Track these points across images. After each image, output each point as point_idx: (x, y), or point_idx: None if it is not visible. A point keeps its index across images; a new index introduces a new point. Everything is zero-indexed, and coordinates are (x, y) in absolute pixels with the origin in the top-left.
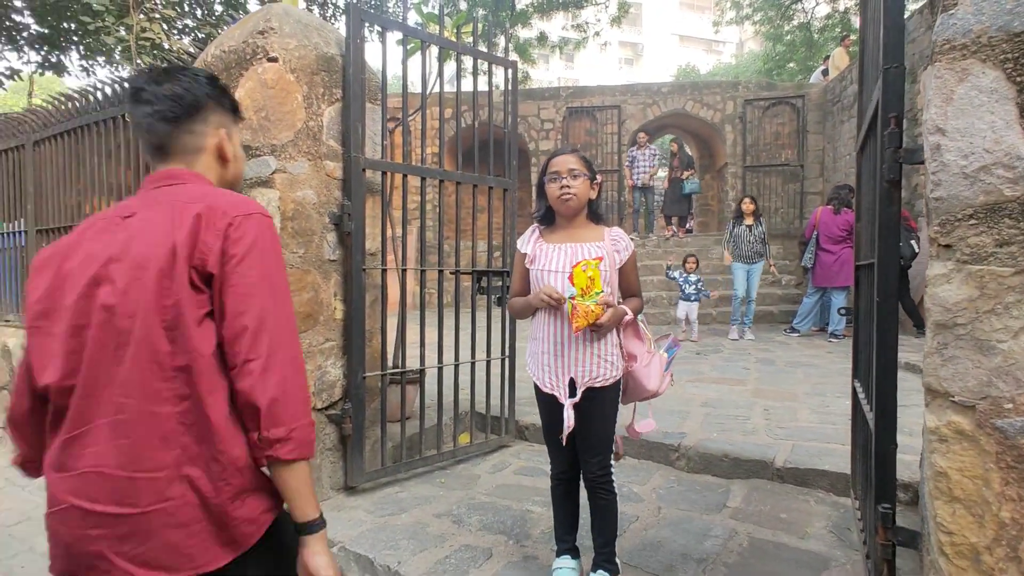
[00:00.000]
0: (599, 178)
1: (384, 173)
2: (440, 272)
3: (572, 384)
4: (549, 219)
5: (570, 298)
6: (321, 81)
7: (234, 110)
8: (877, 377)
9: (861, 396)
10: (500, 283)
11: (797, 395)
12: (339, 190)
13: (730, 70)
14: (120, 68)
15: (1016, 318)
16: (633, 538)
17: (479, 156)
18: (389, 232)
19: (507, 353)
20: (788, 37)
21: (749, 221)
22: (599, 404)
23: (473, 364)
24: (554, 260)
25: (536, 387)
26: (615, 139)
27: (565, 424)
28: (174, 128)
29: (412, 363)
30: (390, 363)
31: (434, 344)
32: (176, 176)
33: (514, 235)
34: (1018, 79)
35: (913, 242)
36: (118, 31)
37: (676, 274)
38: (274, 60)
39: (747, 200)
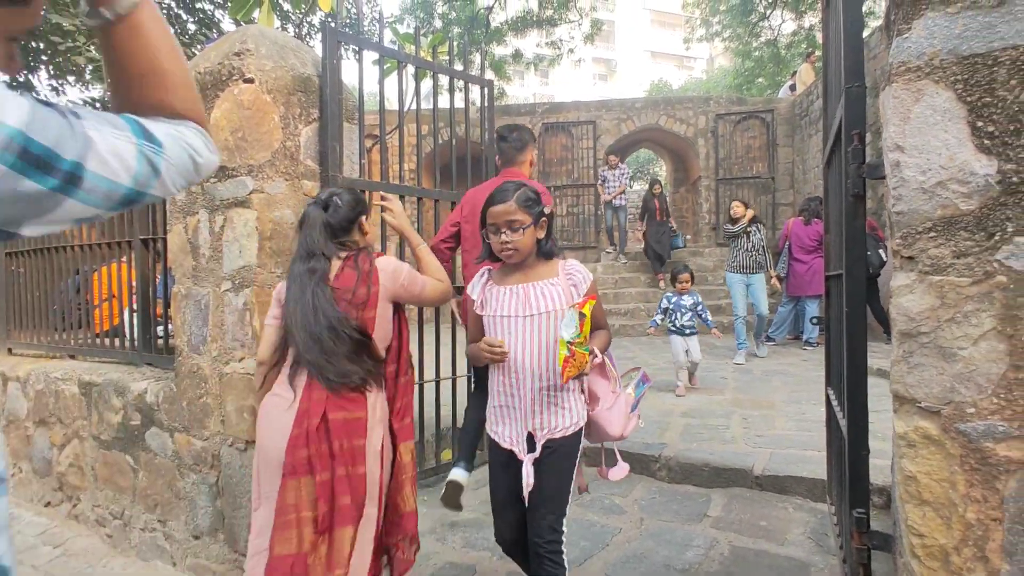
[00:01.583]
0: (548, 209)
1: (361, 192)
2: None
3: (531, 438)
4: (497, 258)
5: (569, 342)
6: (298, 101)
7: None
8: (848, 385)
9: (834, 403)
10: None
11: (774, 403)
12: None
13: (701, 85)
14: (91, 87)
15: (975, 326)
16: (616, 551)
17: (457, 172)
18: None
19: None
20: (756, 53)
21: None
22: (556, 457)
23: (454, 380)
24: (506, 304)
25: (491, 445)
26: (591, 154)
27: (524, 483)
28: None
29: None
30: None
31: (416, 361)
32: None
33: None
34: (968, 99)
35: (881, 251)
36: (89, 50)
37: (665, 301)
38: (250, 81)
39: (736, 205)
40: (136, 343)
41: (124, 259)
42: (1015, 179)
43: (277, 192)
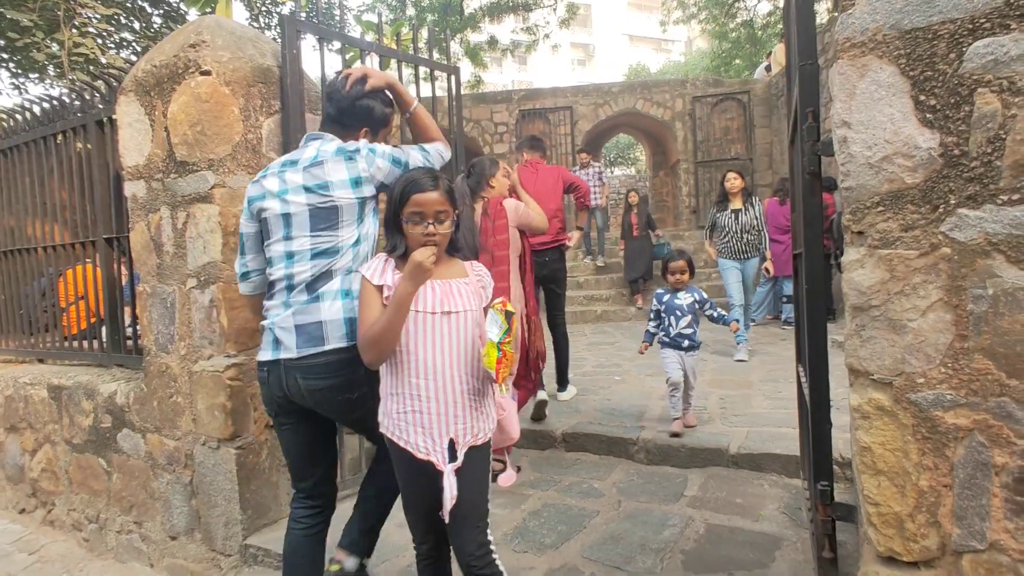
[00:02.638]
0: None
1: None
2: None
3: (451, 446)
4: (396, 247)
5: (499, 343)
6: (258, 93)
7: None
8: (810, 361)
9: (803, 379)
10: None
11: (752, 383)
12: None
13: (679, 68)
14: (54, 85)
15: (923, 297)
16: (593, 533)
17: None
18: None
19: None
20: (733, 34)
21: (736, 205)
22: (477, 464)
23: None
24: (421, 299)
25: (399, 455)
26: (568, 140)
27: (447, 496)
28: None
29: None
30: None
31: None
32: None
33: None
34: (911, 73)
35: None
36: (49, 47)
37: (656, 301)
38: (207, 73)
39: (732, 175)
40: (105, 344)
41: (88, 261)
42: (956, 152)
43: (240, 186)
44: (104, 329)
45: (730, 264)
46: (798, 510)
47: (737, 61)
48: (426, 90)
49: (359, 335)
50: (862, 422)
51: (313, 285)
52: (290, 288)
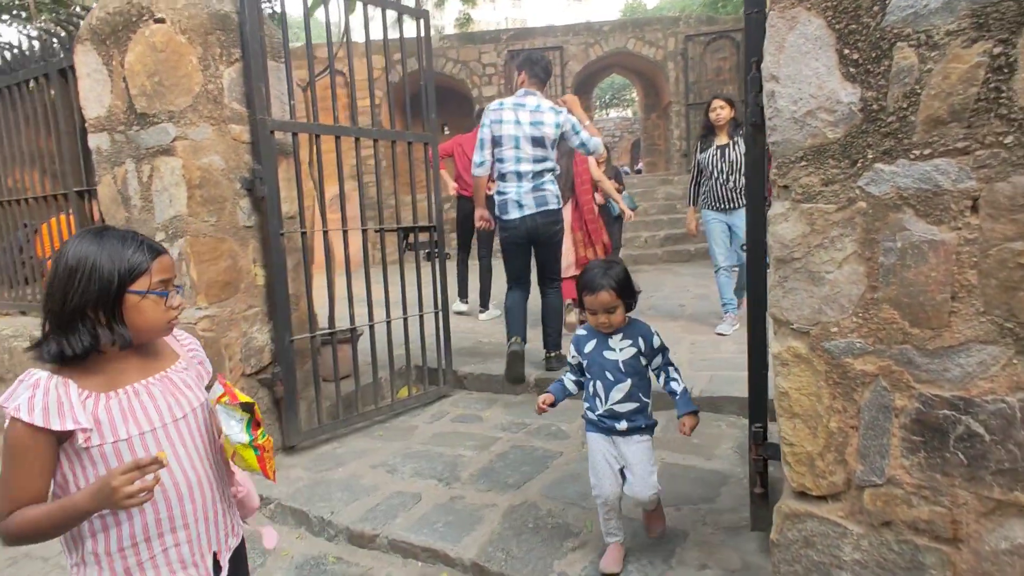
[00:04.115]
0: None
1: (295, 134)
2: (364, 231)
3: (215, 560)
4: (84, 354)
5: (251, 442)
6: (216, 41)
7: None
8: (750, 308)
9: None
10: (428, 238)
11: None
12: (248, 154)
13: (676, 3)
14: (24, 27)
15: (840, 250)
16: (554, 473)
17: (406, 109)
18: (316, 193)
19: (439, 307)
20: None
21: (723, 140)
22: (242, 562)
23: (406, 319)
24: (142, 414)
25: None
26: (559, 81)
27: None
28: None
29: (347, 323)
30: (324, 324)
31: (366, 302)
32: None
33: (438, 190)
34: (837, 26)
35: None
36: None
37: (574, 348)
38: (161, 21)
39: (718, 103)
40: None
41: (72, 212)
42: (875, 107)
43: (203, 138)
44: None
45: (712, 216)
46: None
47: None
48: (393, 34)
49: None
50: (781, 368)
51: (537, 176)
52: (520, 177)
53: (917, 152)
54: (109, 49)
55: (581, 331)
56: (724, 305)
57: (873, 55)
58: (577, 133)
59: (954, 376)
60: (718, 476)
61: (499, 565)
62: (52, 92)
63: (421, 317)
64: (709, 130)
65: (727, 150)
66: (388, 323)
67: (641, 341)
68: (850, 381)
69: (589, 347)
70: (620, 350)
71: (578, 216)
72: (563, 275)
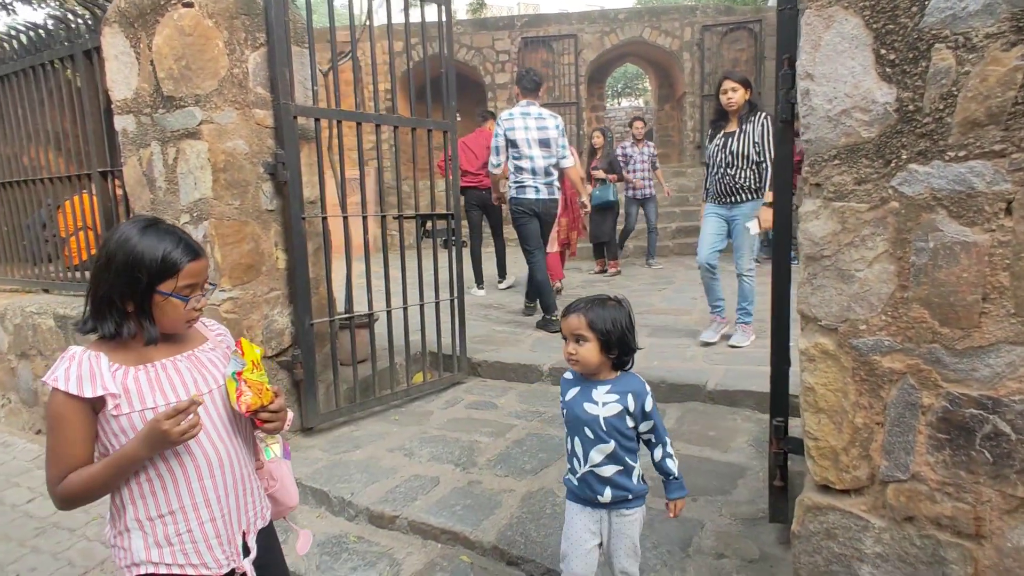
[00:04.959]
0: None
1: (317, 120)
2: (383, 218)
3: (243, 541)
4: (121, 332)
5: (234, 374)
6: (242, 25)
7: None
8: (773, 303)
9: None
10: (445, 225)
11: None
12: (271, 139)
13: None
14: (46, 5)
15: (871, 249)
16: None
17: (419, 97)
18: (337, 178)
19: (455, 294)
20: None
21: (731, 127)
22: (271, 543)
23: (422, 306)
24: (175, 385)
25: None
26: (572, 70)
27: None
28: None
29: (365, 308)
30: (342, 309)
31: (384, 288)
32: None
33: (456, 177)
34: (874, 26)
35: None
36: None
37: (564, 379)
38: (190, 5)
39: (730, 84)
40: None
41: (86, 192)
42: (911, 107)
43: (228, 122)
44: None
45: (710, 211)
46: (765, 443)
47: None
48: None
49: (51, 475)
50: (808, 364)
51: (548, 172)
52: (535, 171)
53: (952, 154)
54: (137, 32)
55: (569, 374)
56: (712, 308)
57: (910, 56)
58: (563, 136)
59: (983, 376)
60: (734, 469)
61: (519, 549)
62: (76, 73)
63: (437, 304)
64: (721, 115)
65: (731, 139)
66: (405, 309)
67: (631, 399)
68: (877, 378)
69: (571, 395)
70: (603, 404)
71: (565, 204)
72: (548, 249)
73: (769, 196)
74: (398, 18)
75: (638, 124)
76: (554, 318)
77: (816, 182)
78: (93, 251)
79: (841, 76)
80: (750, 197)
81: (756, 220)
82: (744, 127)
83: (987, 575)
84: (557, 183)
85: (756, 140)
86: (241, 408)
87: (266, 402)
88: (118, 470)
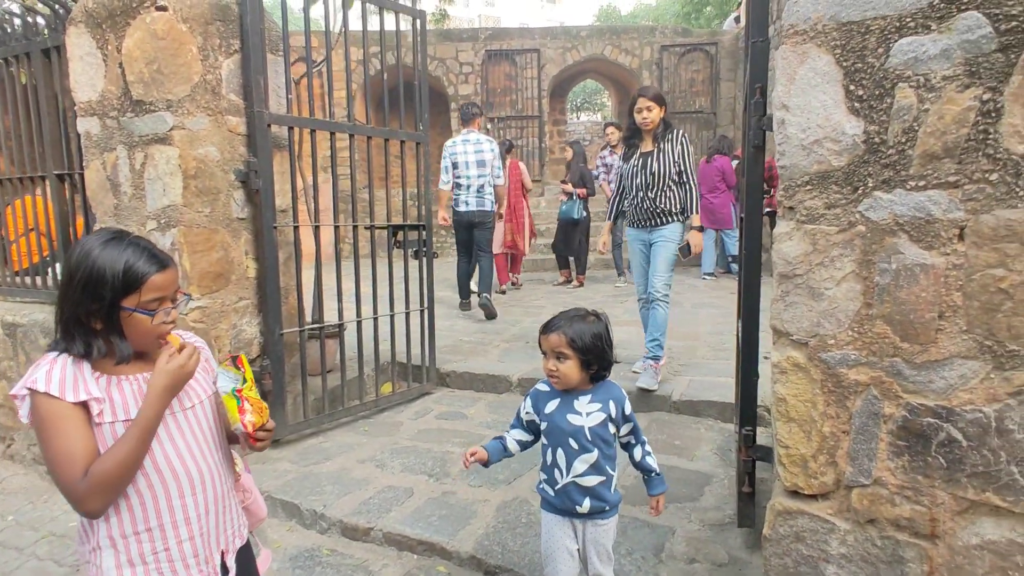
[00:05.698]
0: None
1: (291, 128)
2: (355, 227)
3: (222, 561)
4: (91, 352)
5: (234, 391)
6: (216, 31)
7: None
8: (743, 317)
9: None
10: (416, 236)
11: (699, 334)
12: (244, 146)
13: (650, 12)
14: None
15: (839, 269)
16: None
17: (391, 106)
18: (300, 186)
19: (425, 305)
20: None
21: (647, 146)
22: (249, 561)
23: (392, 316)
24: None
25: None
26: (535, 84)
27: None
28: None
29: (333, 317)
30: (309, 318)
31: (355, 298)
32: None
33: (428, 189)
34: (844, 64)
35: None
36: None
37: (530, 405)
38: (163, 9)
39: (643, 101)
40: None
41: (39, 192)
42: (877, 139)
43: (200, 128)
44: (58, 266)
45: (633, 236)
46: (729, 451)
47: (708, 8)
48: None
49: (68, 478)
50: (780, 376)
51: (480, 189)
52: (468, 188)
53: (913, 183)
54: (105, 33)
55: (543, 386)
56: (648, 343)
57: (876, 92)
58: (499, 159)
59: (938, 387)
60: (701, 476)
61: (496, 558)
62: (32, 72)
63: (407, 314)
64: (634, 133)
65: (650, 159)
66: (375, 319)
67: (612, 406)
68: (843, 389)
69: (551, 407)
70: (587, 415)
71: (510, 211)
72: (494, 251)
73: (696, 220)
74: (368, 27)
75: (611, 130)
76: (483, 295)
77: (790, 205)
78: (46, 253)
79: (814, 108)
80: (670, 220)
81: (687, 246)
82: (661, 145)
83: (940, 572)
84: (490, 196)
85: (675, 160)
86: (248, 428)
87: (264, 420)
88: (144, 433)
